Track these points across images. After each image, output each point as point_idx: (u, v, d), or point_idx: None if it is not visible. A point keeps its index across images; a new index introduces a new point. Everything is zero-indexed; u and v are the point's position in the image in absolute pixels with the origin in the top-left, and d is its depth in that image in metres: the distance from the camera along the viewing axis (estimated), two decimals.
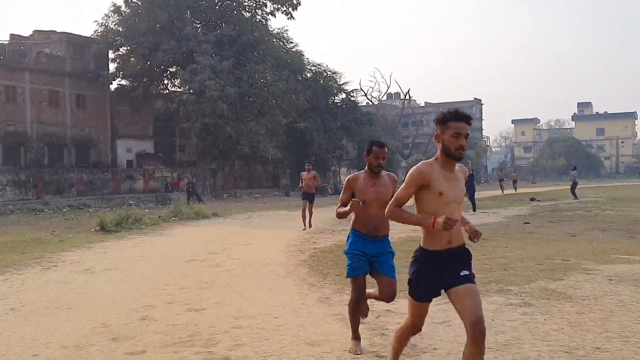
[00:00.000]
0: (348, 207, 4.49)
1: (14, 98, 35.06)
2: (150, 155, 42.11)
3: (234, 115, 33.72)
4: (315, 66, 47.87)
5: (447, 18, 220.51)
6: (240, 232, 14.82)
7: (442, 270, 3.29)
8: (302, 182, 15.33)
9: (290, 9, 41.06)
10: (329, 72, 48.08)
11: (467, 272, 3.27)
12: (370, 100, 69.88)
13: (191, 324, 5.45)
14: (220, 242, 12.30)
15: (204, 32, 36.44)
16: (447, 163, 3.29)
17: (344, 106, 49.62)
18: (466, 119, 3.26)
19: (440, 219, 3.11)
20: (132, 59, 38.28)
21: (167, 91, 41.55)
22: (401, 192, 3.35)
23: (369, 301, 4.81)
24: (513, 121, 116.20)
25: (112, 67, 39.33)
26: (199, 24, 37.51)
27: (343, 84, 49.51)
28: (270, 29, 42.44)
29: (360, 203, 4.43)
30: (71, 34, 38.52)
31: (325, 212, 17.64)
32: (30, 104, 35.65)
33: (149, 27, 35.28)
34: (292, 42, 46.45)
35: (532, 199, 27.14)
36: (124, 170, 39.56)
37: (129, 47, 37.94)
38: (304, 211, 15.13)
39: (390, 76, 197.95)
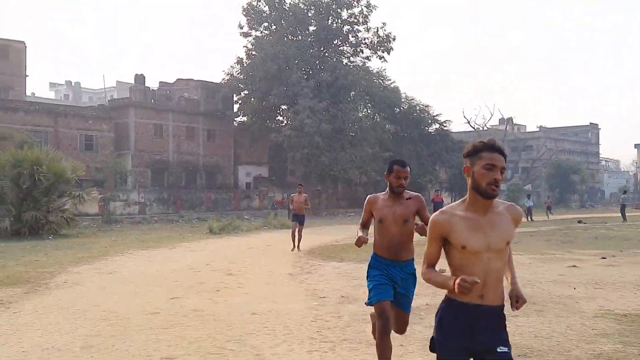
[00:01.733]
0: (357, 241, 4.46)
1: (160, 134, 44.77)
2: (265, 179, 50.32)
3: (328, 146, 40.75)
4: (409, 100, 53.79)
5: (558, 39, 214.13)
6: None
7: (473, 330, 2.68)
8: (292, 203, 15.89)
9: (384, 54, 47.81)
10: (421, 106, 53.76)
11: (505, 350, 2.69)
12: (473, 127, 73.88)
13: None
14: (280, 241, 19.03)
15: (307, 78, 43.97)
16: (477, 203, 2.73)
17: (437, 135, 54.87)
18: (501, 151, 2.73)
19: (463, 280, 2.53)
20: (252, 100, 46.76)
21: (279, 125, 49.68)
22: (427, 250, 2.85)
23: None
24: (636, 145, 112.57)
25: (235, 107, 48.38)
26: (303, 71, 45.12)
27: (436, 115, 54.91)
28: (370, 69, 49.29)
29: (367, 241, 4.41)
30: (205, 81, 48.04)
31: None
32: (172, 138, 45.26)
33: (263, 75, 43.40)
34: (389, 80, 52.88)
35: (579, 222, 30.60)
36: (243, 190, 47.98)
37: (248, 91, 46.50)
38: (293, 232, 15.41)
39: (494, 105, 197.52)
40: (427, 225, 3.14)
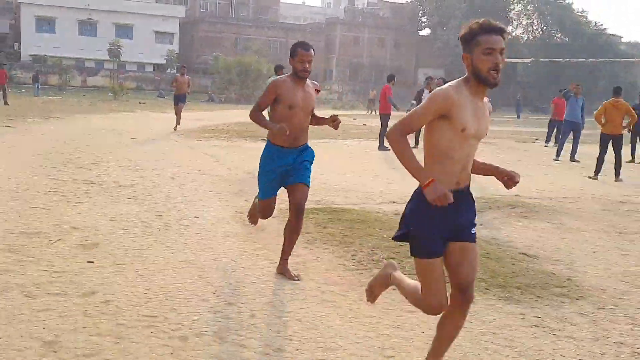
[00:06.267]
0: (274, 128, 4.13)
1: (357, 43, 61.50)
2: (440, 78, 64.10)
3: None
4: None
5: None
6: None
7: (453, 212, 2.62)
8: (174, 84, 16.57)
9: None
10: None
11: (474, 232, 2.75)
12: None
13: None
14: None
15: None
16: (477, 89, 2.58)
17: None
18: (500, 31, 2.53)
19: (438, 192, 2.44)
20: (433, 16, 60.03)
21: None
22: (415, 116, 2.59)
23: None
24: None
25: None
26: None
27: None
28: None
29: (287, 132, 4.07)
30: (393, 2, 62.71)
31: None
32: (367, 46, 61.69)
33: None
34: None
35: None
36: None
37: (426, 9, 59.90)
38: (176, 111, 16.41)
39: None
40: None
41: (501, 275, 4.56)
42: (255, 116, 4.28)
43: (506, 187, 2.76)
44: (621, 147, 11.17)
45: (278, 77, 4.50)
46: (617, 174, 10.97)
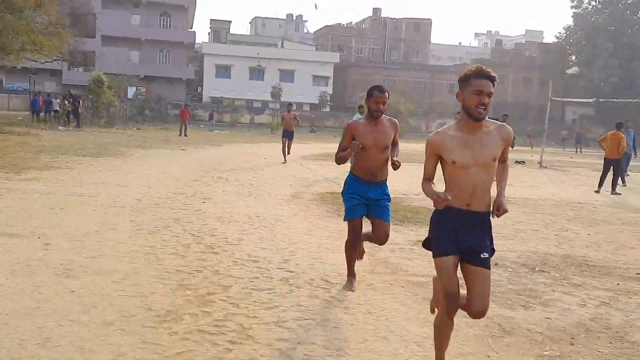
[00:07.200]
0: (348, 150, 4.63)
1: (502, 82, 63.43)
2: (590, 117, 63.14)
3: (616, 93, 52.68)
4: None
5: None
6: None
7: (462, 230, 3.19)
8: (283, 121, 17.96)
9: None
10: None
11: (487, 256, 3.18)
12: None
13: None
14: None
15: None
16: (468, 124, 3.12)
17: None
18: (489, 77, 3.06)
19: (433, 196, 3.06)
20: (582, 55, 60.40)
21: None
22: (425, 166, 3.29)
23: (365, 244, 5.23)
24: None
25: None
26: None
27: None
28: None
29: (359, 145, 4.55)
30: (541, 42, 63.76)
31: None
32: (512, 84, 63.36)
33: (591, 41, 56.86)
34: None
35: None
36: (568, 126, 62.56)
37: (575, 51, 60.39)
38: (283, 146, 17.46)
39: None
40: (397, 147, 4.71)
41: None
42: (336, 156, 4.89)
43: (492, 216, 3.20)
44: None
45: (358, 117, 4.82)
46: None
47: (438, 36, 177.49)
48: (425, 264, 5.92)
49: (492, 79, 3.07)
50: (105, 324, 3.91)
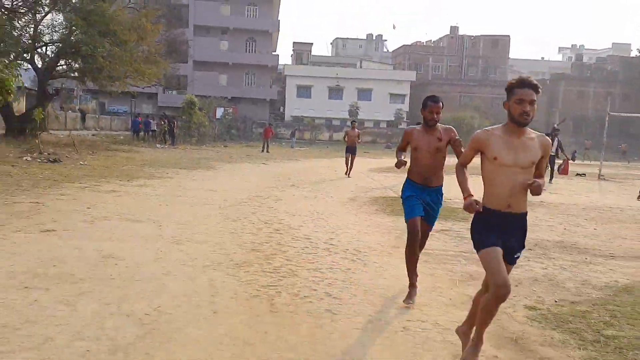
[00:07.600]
0: (397, 161, 5.13)
1: (582, 96, 62.50)
2: None
3: None
4: None
5: None
6: None
7: (502, 231, 3.44)
8: (346, 137, 19.11)
9: None
10: None
11: (520, 256, 3.57)
12: None
13: None
14: None
15: None
16: (512, 129, 3.38)
17: None
18: (531, 86, 3.31)
19: (467, 204, 3.41)
20: None
21: None
22: (464, 153, 3.65)
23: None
24: None
25: None
26: None
27: None
28: None
29: (405, 163, 5.06)
30: (623, 56, 62.52)
31: None
32: (593, 99, 62.43)
33: None
34: None
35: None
36: None
37: None
38: (346, 161, 18.76)
39: None
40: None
41: None
42: (396, 153, 5.33)
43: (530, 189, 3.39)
44: None
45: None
46: None
47: (520, 51, 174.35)
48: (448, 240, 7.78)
49: (534, 88, 3.33)
50: (204, 266, 6.10)
